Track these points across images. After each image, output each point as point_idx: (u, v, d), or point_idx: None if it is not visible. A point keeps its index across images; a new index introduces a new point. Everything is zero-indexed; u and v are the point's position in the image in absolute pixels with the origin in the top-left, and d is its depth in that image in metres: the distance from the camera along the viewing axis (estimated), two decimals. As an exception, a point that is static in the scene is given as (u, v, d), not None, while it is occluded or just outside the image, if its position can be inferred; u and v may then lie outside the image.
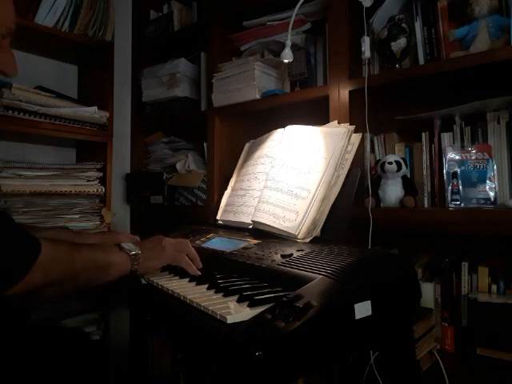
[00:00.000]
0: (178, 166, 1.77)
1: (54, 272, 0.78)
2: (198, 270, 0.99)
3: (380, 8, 1.26)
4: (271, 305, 0.69)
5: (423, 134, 1.20)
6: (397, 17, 1.20)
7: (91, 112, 1.70)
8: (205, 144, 1.68)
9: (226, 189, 1.44)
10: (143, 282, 0.96)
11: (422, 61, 1.19)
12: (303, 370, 0.65)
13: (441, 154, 1.15)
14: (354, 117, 1.22)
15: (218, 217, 1.40)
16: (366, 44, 1.20)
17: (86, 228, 1.68)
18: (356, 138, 1.15)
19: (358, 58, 1.25)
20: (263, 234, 1.16)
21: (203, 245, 1.17)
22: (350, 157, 1.12)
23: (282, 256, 0.92)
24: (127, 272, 0.91)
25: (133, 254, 0.91)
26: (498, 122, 1.09)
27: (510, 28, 1.01)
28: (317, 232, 1.06)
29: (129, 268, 0.90)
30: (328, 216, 1.06)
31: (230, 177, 1.46)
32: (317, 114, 1.31)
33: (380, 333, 0.76)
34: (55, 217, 1.61)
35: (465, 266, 1.10)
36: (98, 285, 0.88)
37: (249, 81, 1.47)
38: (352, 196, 1.07)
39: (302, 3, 1.28)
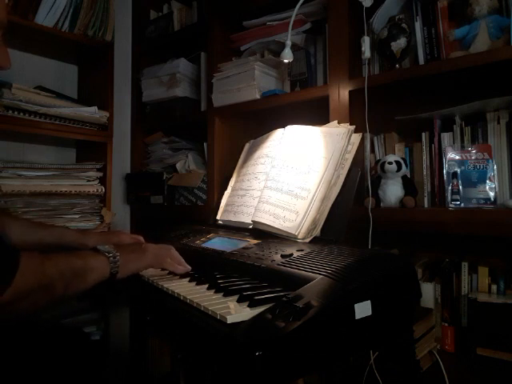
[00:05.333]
0: (178, 166, 1.77)
1: (22, 284, 0.72)
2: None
3: (380, 8, 1.26)
4: (271, 305, 0.69)
5: (423, 133, 1.20)
6: (397, 17, 1.20)
7: (91, 112, 1.70)
8: (205, 144, 1.68)
9: (226, 189, 1.44)
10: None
11: (422, 61, 1.19)
12: (303, 370, 0.64)
13: (441, 154, 1.15)
14: (354, 117, 1.22)
15: (218, 217, 1.40)
16: (366, 44, 1.20)
17: (85, 228, 1.68)
18: (356, 138, 1.15)
19: (358, 58, 1.25)
20: (263, 234, 1.16)
21: (203, 245, 1.17)
22: (350, 157, 1.12)
23: (282, 256, 0.92)
24: (106, 276, 0.87)
25: (111, 256, 0.88)
26: (498, 122, 1.09)
27: (510, 28, 1.01)
28: (317, 232, 1.06)
29: (108, 271, 0.87)
30: (328, 216, 1.06)
31: (230, 177, 1.46)
32: (317, 113, 1.31)
33: (380, 333, 0.76)
34: (55, 217, 1.61)
35: (465, 265, 1.10)
36: (77, 292, 0.84)
37: (249, 81, 1.47)
38: (352, 196, 1.07)
39: (302, 3, 1.28)
